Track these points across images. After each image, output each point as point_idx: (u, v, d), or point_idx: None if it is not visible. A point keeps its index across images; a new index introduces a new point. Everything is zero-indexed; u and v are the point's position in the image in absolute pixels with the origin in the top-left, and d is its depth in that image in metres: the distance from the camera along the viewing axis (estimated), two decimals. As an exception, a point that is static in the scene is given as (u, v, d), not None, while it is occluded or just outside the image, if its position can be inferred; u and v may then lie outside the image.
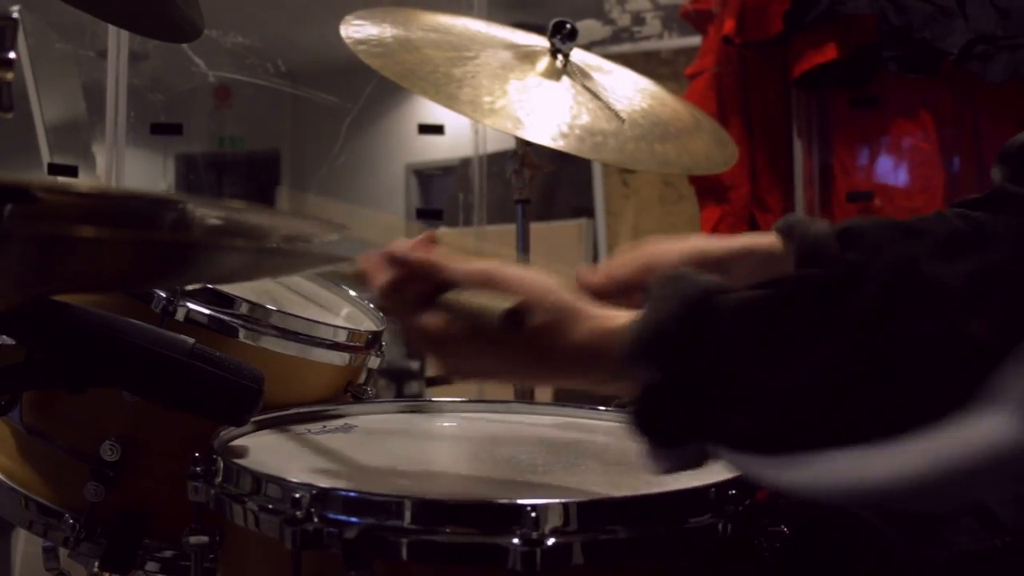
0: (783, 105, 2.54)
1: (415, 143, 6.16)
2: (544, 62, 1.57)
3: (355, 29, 1.56)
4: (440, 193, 7.01)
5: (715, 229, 2.46)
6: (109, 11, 1.15)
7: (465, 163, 3.81)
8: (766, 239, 0.99)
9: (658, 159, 1.50)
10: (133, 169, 2.99)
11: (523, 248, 1.73)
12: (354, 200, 6.81)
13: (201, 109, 5.12)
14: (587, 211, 3.96)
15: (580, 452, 0.96)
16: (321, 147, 6.42)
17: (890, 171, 2.47)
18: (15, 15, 0.59)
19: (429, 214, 2.95)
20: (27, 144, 2.86)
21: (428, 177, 7.19)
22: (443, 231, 3.55)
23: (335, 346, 1.07)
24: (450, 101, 1.39)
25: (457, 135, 3.19)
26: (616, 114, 1.52)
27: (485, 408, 1.17)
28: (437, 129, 2.26)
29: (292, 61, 3.83)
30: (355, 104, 3.55)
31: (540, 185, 1.86)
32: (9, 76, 0.56)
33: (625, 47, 3.46)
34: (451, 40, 1.61)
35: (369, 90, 3.40)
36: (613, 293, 0.94)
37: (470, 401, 1.19)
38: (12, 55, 0.55)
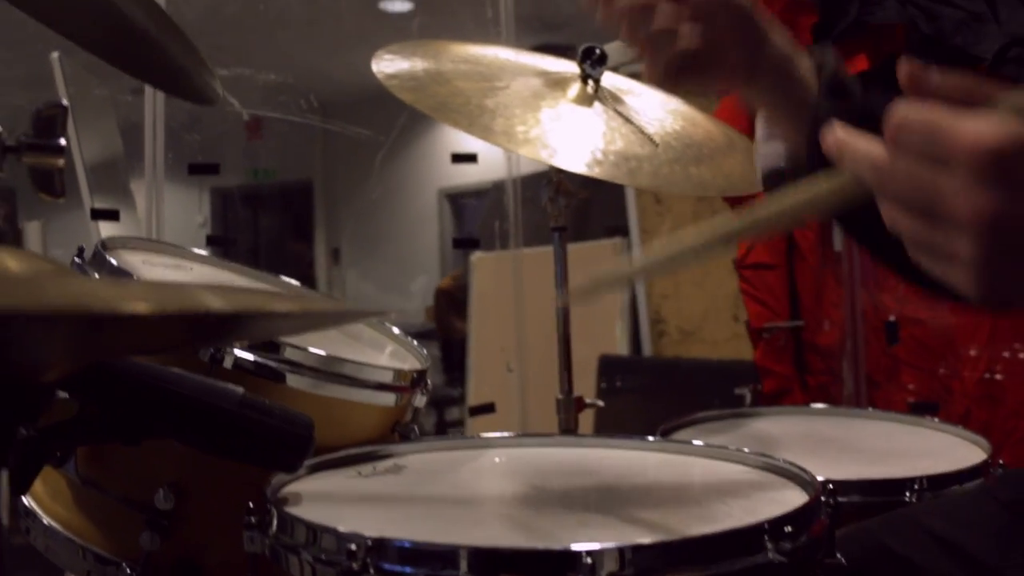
0: (815, 118, 2.52)
1: (447, 169, 6.19)
2: (575, 88, 1.57)
3: (387, 63, 1.56)
4: (473, 217, 7.04)
5: (752, 248, 2.45)
6: (141, 71, 1.17)
7: (498, 187, 3.82)
8: (807, 61, 1.02)
9: (694, 182, 1.49)
10: (170, 206, 3.04)
11: (561, 273, 1.73)
12: (388, 228, 6.86)
13: (234, 143, 5.19)
14: (622, 230, 3.96)
15: (629, 487, 0.95)
16: (354, 176, 6.48)
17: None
18: (64, 101, 0.61)
19: (465, 243, 2.95)
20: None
21: (461, 202, 7.23)
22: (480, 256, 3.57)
23: (381, 387, 1.08)
24: (485, 133, 1.40)
25: (489, 159, 3.20)
26: (649, 138, 1.52)
27: (531, 442, 1.17)
28: (470, 158, 2.26)
29: (324, 95, 3.88)
30: (387, 136, 3.58)
31: (574, 207, 1.87)
32: (60, 163, 0.57)
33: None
34: (481, 70, 1.61)
35: (402, 121, 3.43)
36: None
37: (517, 436, 1.19)
38: (63, 142, 0.57)
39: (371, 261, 7.09)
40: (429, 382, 1.17)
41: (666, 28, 0.94)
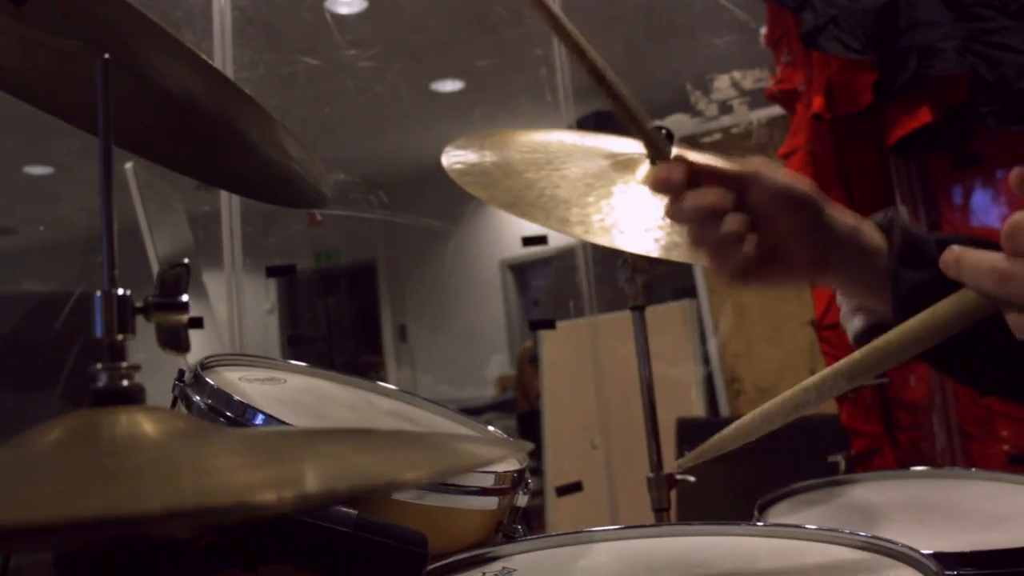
0: (882, 173, 2.51)
1: (509, 239, 6.24)
2: (643, 169, 1.58)
3: (456, 158, 1.58)
4: (537, 284, 7.06)
5: (829, 307, 2.43)
6: (236, 185, 1.21)
7: (563, 254, 3.84)
8: (871, 225, 1.02)
9: (773, 256, 1.49)
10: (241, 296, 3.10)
11: (644, 351, 1.73)
12: (453, 302, 6.91)
13: (298, 227, 5.31)
14: (689, 292, 3.95)
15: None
16: (418, 254, 6.56)
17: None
18: (186, 260, 0.63)
19: (541, 324, 2.96)
20: (142, 278, 2.98)
21: (524, 270, 7.26)
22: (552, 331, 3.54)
23: (483, 491, 1.08)
24: (562, 225, 1.41)
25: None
26: (724, 215, 1.52)
27: (635, 534, 1.16)
28: (541, 240, 2.29)
29: (391, 185, 3.96)
30: (454, 222, 3.63)
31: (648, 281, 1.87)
32: (185, 319, 0.60)
33: (716, 136, 3.49)
34: (549, 158, 1.63)
35: (471, 208, 3.49)
36: (708, 181, 0.98)
37: (620, 528, 1.18)
38: (186, 298, 0.59)
39: (438, 336, 7.14)
40: (530, 481, 1.17)
41: (732, 235, 0.96)
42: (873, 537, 0.99)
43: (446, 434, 0.73)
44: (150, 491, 0.42)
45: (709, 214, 0.96)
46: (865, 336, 1.07)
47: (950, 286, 0.75)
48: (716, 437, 0.92)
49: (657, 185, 0.99)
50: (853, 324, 1.10)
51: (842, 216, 1.01)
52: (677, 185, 0.97)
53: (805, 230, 0.98)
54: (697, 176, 0.98)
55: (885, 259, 0.99)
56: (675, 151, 1.02)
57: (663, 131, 1.58)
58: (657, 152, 1.01)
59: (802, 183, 1.00)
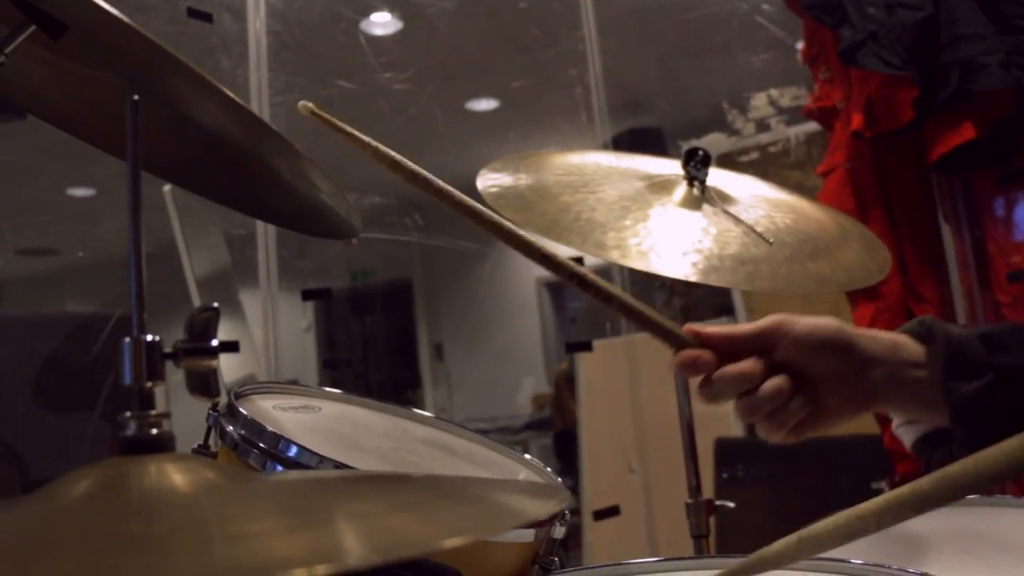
0: (924, 191, 2.47)
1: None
2: (680, 191, 1.56)
3: (491, 181, 1.57)
4: (573, 305, 7.04)
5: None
6: (268, 215, 1.21)
7: (602, 272, 3.82)
8: (907, 339, 0.99)
9: (813, 280, 1.46)
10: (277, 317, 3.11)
11: (681, 376, 1.70)
12: (488, 320, 6.92)
13: (334, 250, 5.34)
14: (727, 310, 3.91)
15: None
16: (453, 273, 6.57)
17: (1051, 245, 2.37)
18: (215, 305, 0.63)
19: (578, 347, 2.94)
20: (180, 297, 3.01)
21: (560, 289, 7.25)
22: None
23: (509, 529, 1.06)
24: (598, 249, 1.39)
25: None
26: (763, 238, 1.49)
27: (676, 566, 1.14)
28: (577, 261, 2.26)
29: (426, 207, 3.97)
30: (489, 245, 3.62)
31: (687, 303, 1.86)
32: (214, 364, 0.59)
33: (753, 155, 3.46)
34: (585, 180, 1.61)
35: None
36: (730, 350, 0.95)
37: (661, 560, 1.16)
38: (215, 343, 0.58)
39: (474, 355, 7.14)
40: (567, 513, 1.15)
41: (778, 406, 0.94)
42: (923, 574, 0.95)
43: (485, 483, 0.71)
44: (179, 565, 0.41)
45: (745, 385, 0.94)
46: (924, 445, 1.05)
47: (1007, 386, 0.73)
48: (755, 556, 0.88)
49: (685, 369, 0.95)
50: (909, 434, 1.07)
51: (876, 339, 0.98)
52: (706, 365, 0.94)
53: (842, 369, 0.96)
54: (717, 348, 0.95)
55: (927, 371, 0.96)
56: (687, 327, 0.98)
57: (699, 152, 1.57)
58: (670, 336, 0.98)
59: (824, 322, 0.97)
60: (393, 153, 0.90)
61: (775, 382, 0.93)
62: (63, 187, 5.56)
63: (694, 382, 1.65)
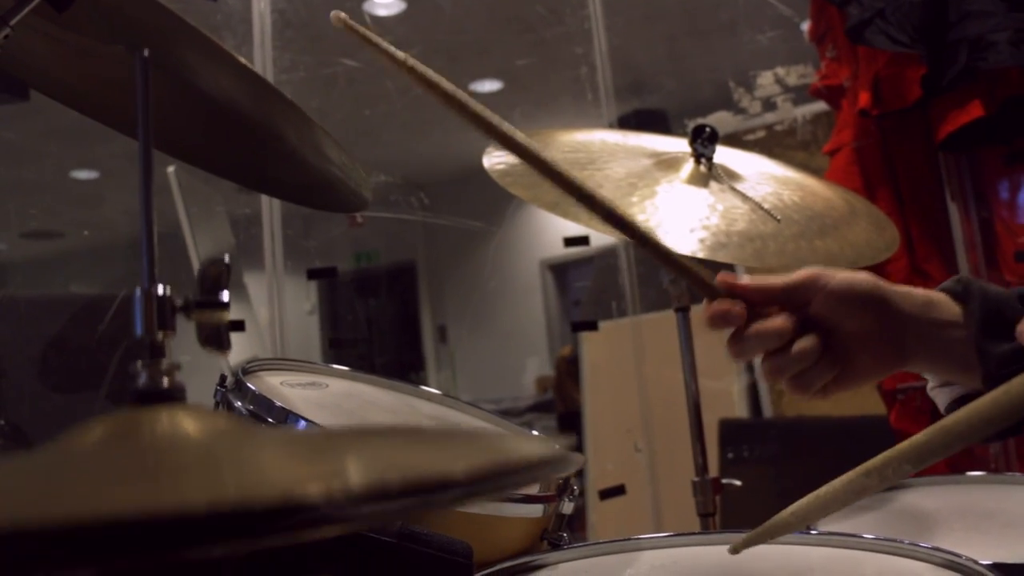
0: (931, 170, 2.46)
1: (550, 239, 6.22)
2: (687, 168, 1.55)
3: (497, 159, 1.56)
4: (578, 285, 7.04)
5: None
6: (276, 189, 1.20)
7: (604, 254, 3.81)
8: (943, 296, 0.96)
9: (821, 256, 1.45)
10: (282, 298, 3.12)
11: (688, 354, 1.70)
12: (492, 302, 6.92)
13: (339, 230, 5.35)
14: (732, 291, 3.90)
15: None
16: (457, 255, 6.57)
17: (1058, 223, 2.36)
18: (227, 259, 0.62)
19: (583, 326, 2.93)
20: (184, 281, 3.01)
21: (564, 270, 7.24)
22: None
23: (528, 499, 1.06)
24: (606, 226, 1.39)
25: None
26: (771, 215, 1.49)
27: (683, 541, 1.13)
28: (583, 241, 2.25)
29: (432, 187, 3.97)
30: (495, 223, 3.62)
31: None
32: (225, 317, 0.58)
33: (759, 133, 3.44)
34: (592, 158, 1.61)
35: (511, 210, 3.49)
36: (763, 302, 0.93)
37: (668, 536, 1.16)
38: (226, 297, 0.58)
39: (477, 337, 7.14)
40: (576, 488, 1.15)
41: (806, 367, 0.92)
42: (934, 548, 0.95)
43: (498, 432, 0.71)
44: (193, 486, 0.41)
45: (775, 343, 0.91)
46: (958, 408, 1.04)
47: None
48: (770, 523, 0.88)
49: (715, 322, 0.92)
50: (943, 396, 1.04)
51: (910, 296, 0.95)
52: (737, 319, 0.91)
53: (876, 326, 0.93)
54: (750, 299, 0.93)
55: (963, 330, 0.93)
56: (720, 276, 0.95)
57: (707, 129, 1.57)
58: (703, 285, 0.95)
59: (860, 276, 0.94)
60: (429, 72, 0.87)
61: (804, 343, 0.91)
62: (67, 170, 5.56)
63: (705, 362, 1.64)
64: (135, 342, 0.59)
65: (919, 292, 0.97)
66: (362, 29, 0.86)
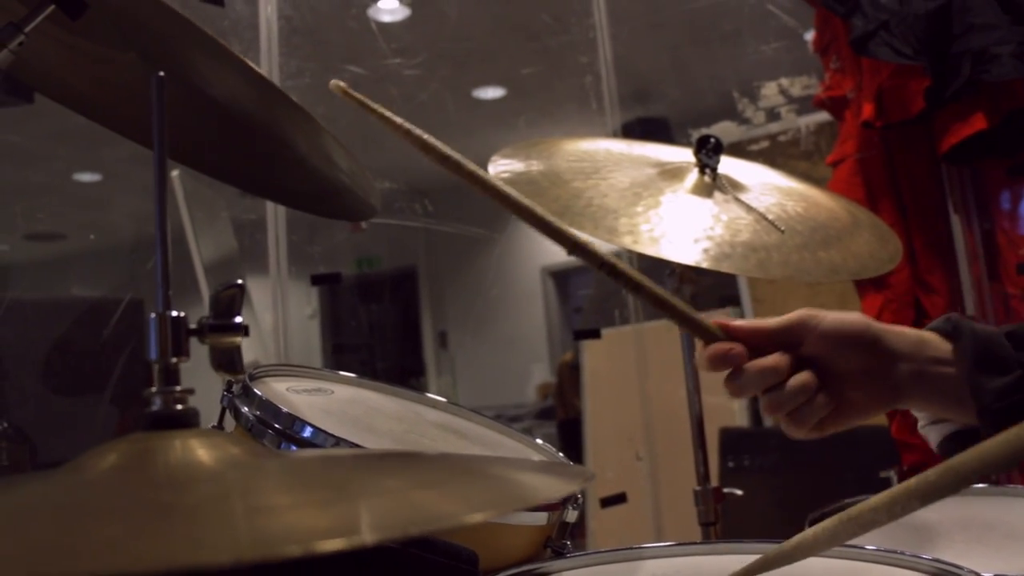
0: (934, 182, 2.46)
1: (550, 246, 6.21)
2: (691, 178, 1.56)
3: (502, 167, 1.57)
4: (580, 293, 7.04)
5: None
6: (283, 196, 1.21)
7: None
8: (934, 335, 0.98)
9: (825, 268, 1.46)
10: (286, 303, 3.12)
11: (690, 358, 1.70)
12: (493, 309, 6.92)
13: (343, 236, 5.35)
14: (732, 300, 3.91)
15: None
16: (458, 261, 6.57)
17: (1061, 236, 2.36)
18: (240, 282, 0.62)
19: (586, 334, 2.93)
20: (187, 283, 3.01)
21: (565, 277, 7.25)
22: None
23: (533, 507, 1.07)
24: (610, 235, 1.39)
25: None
26: (775, 226, 1.49)
27: (686, 551, 1.14)
28: (586, 248, 2.25)
29: (435, 193, 3.96)
30: (498, 230, 3.62)
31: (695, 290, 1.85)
32: (239, 341, 0.59)
33: (763, 144, 3.44)
34: (596, 167, 1.61)
35: (514, 216, 3.48)
36: (756, 343, 0.95)
37: (671, 545, 1.16)
38: (240, 319, 0.58)
39: (478, 343, 7.14)
40: (580, 496, 1.16)
41: (801, 398, 0.94)
42: (936, 560, 0.96)
43: (504, 462, 0.71)
44: (208, 536, 0.41)
45: (772, 380, 0.94)
46: (950, 445, 1.04)
47: None
48: (773, 552, 0.89)
49: (715, 363, 0.95)
50: (934, 433, 1.06)
51: (902, 336, 0.97)
52: (737, 359, 0.94)
53: (868, 365, 0.96)
54: (744, 341, 0.95)
55: (955, 367, 0.96)
56: (716, 318, 0.98)
57: (711, 139, 1.57)
58: (699, 329, 0.98)
59: (851, 317, 0.97)
60: (425, 135, 0.90)
61: (801, 378, 0.93)
62: (71, 172, 5.57)
63: (706, 373, 1.65)
64: (140, 348, 0.59)
65: (910, 331, 0.99)
66: (359, 96, 0.89)
